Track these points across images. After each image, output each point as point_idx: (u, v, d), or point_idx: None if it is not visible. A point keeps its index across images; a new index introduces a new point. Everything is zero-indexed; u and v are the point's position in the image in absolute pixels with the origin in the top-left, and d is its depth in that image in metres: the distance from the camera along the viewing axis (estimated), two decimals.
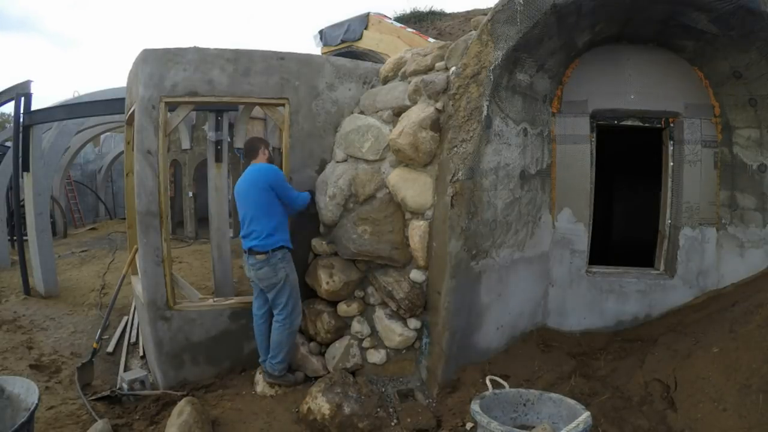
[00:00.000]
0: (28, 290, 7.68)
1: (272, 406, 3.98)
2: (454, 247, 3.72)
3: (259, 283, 4.07)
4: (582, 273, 4.59)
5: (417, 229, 3.95)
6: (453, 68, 3.84)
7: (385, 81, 4.56)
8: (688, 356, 3.54)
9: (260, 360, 4.25)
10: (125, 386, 4.32)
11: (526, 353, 4.18)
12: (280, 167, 4.67)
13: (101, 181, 17.41)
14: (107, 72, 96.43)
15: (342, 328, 4.31)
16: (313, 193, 4.37)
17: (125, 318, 6.45)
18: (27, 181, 7.76)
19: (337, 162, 4.44)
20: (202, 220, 11.75)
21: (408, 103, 4.12)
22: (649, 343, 4.03)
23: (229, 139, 7.35)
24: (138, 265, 4.81)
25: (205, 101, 4.42)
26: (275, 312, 4.10)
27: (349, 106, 4.59)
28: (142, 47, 4.46)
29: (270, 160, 4.28)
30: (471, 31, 3.96)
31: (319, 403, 3.66)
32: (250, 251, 4.03)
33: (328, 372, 4.18)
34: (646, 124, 4.59)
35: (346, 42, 9.70)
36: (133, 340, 5.86)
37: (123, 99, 5.45)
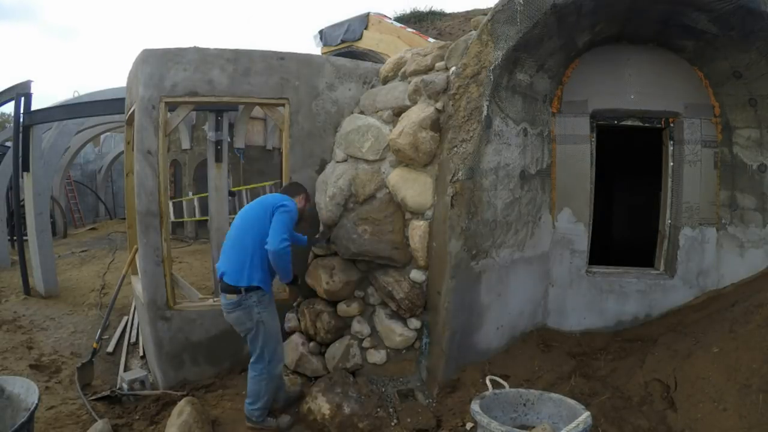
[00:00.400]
0: (28, 290, 7.69)
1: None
2: (454, 247, 3.72)
3: (235, 327, 3.65)
4: (582, 273, 4.59)
5: (417, 229, 3.95)
6: (453, 68, 3.84)
7: (385, 81, 4.57)
8: (688, 356, 3.54)
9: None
10: (125, 386, 4.32)
11: (526, 353, 4.17)
12: (280, 167, 4.65)
13: (101, 181, 17.43)
14: (105, 63, 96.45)
15: (342, 328, 4.30)
16: (311, 242, 4.11)
17: (125, 318, 6.45)
18: (27, 181, 7.76)
19: (337, 162, 4.44)
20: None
21: (408, 103, 4.12)
22: (649, 343, 4.03)
23: (229, 139, 7.36)
24: (138, 265, 4.81)
25: (205, 101, 4.42)
26: (251, 359, 3.66)
27: (349, 106, 4.59)
28: (141, 46, 4.49)
29: (300, 211, 3.84)
30: (471, 31, 3.96)
31: (319, 403, 3.66)
32: (222, 286, 3.58)
33: (328, 372, 4.18)
34: (646, 124, 4.58)
35: (346, 42, 9.71)
36: (133, 340, 5.86)
37: (123, 99, 5.45)
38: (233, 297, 3.51)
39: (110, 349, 5.66)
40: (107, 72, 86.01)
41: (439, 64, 4.07)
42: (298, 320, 4.51)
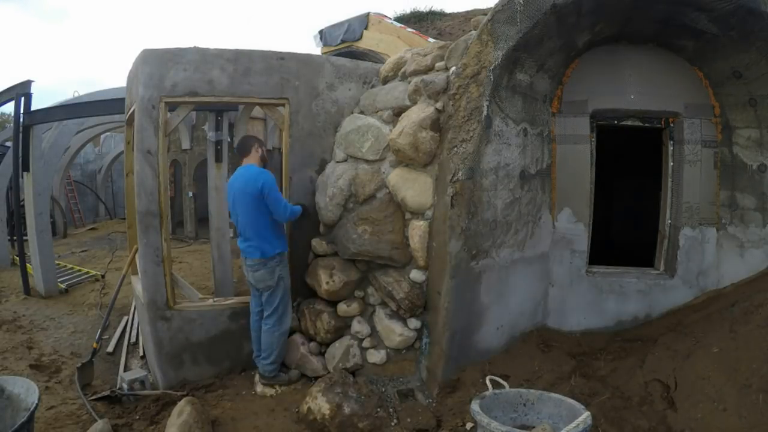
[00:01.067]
0: (28, 290, 7.69)
1: (272, 406, 3.99)
2: (454, 247, 3.72)
3: (256, 284, 4.13)
4: (582, 273, 4.59)
5: (417, 229, 3.95)
6: (453, 68, 3.84)
7: (385, 81, 4.56)
8: (688, 356, 3.54)
9: (254, 356, 4.29)
10: (125, 386, 4.32)
11: (526, 353, 4.17)
12: (280, 167, 4.65)
13: (101, 181, 17.41)
14: (95, 47, 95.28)
15: (342, 328, 4.31)
16: (306, 208, 4.28)
17: (125, 318, 6.46)
18: (27, 181, 7.76)
19: (337, 162, 4.44)
20: (202, 220, 11.75)
21: (408, 103, 4.12)
22: (649, 343, 4.03)
23: (229, 139, 7.35)
24: (138, 265, 4.81)
25: (205, 101, 4.42)
26: (265, 314, 4.15)
27: (349, 106, 4.59)
28: (138, 42, 4.49)
29: (263, 159, 4.24)
30: (471, 31, 3.96)
31: (319, 403, 3.66)
32: (246, 254, 4.09)
33: (328, 372, 4.18)
34: (646, 124, 4.58)
35: (346, 42, 9.71)
36: (133, 340, 5.86)
37: (123, 99, 5.45)
38: (261, 260, 4.02)
39: (110, 349, 5.66)
40: (98, 57, 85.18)
41: (439, 64, 4.07)
42: (298, 320, 4.52)
